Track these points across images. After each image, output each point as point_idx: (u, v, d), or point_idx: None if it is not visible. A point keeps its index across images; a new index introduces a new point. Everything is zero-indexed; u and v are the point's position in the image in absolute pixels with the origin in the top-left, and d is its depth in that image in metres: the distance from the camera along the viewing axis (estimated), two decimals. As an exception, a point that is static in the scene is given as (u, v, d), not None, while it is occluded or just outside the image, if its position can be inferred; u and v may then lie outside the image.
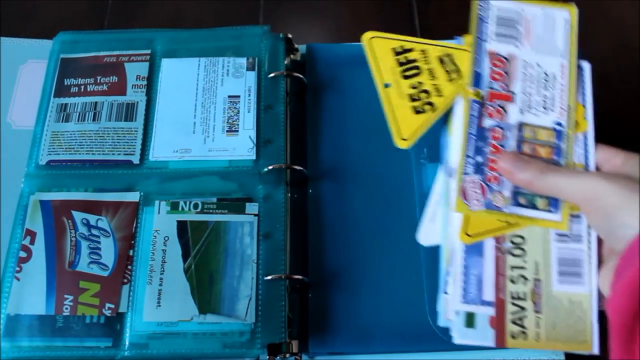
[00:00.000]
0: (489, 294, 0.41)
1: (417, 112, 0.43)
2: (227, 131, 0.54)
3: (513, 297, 0.41)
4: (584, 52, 0.47)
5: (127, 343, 0.46)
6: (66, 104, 0.55)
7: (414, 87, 0.43)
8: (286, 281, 0.48)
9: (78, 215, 0.50)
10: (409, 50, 0.45)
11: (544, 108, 0.44)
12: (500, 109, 0.44)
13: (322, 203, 0.53)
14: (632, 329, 0.33)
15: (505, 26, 0.46)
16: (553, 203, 0.42)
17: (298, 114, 0.57)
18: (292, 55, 0.59)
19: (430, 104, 0.43)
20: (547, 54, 0.46)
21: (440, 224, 0.45)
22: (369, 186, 0.54)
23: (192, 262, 0.48)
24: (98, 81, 0.56)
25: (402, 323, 0.49)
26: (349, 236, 0.51)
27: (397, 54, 0.45)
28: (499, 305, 0.41)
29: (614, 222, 0.36)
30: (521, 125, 0.43)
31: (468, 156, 0.43)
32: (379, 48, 0.45)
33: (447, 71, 0.44)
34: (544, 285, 0.42)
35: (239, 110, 0.55)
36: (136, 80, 0.56)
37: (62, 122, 0.54)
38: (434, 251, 0.51)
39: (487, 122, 0.43)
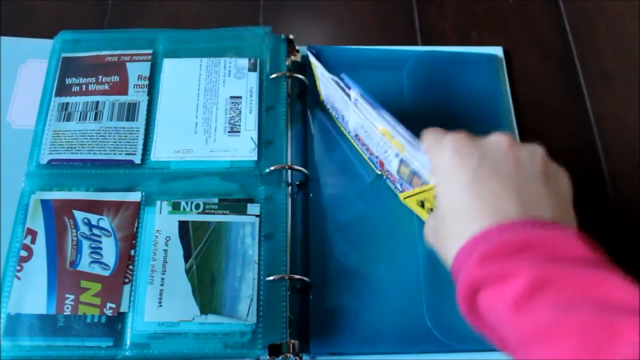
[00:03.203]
0: None
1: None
2: (229, 132, 0.54)
3: None
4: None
5: (128, 343, 0.46)
6: (67, 103, 0.55)
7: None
8: (287, 282, 0.48)
9: (79, 215, 0.50)
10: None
11: (385, 152, 0.48)
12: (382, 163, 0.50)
13: (323, 204, 0.53)
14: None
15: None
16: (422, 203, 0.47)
17: (299, 114, 0.57)
18: (292, 56, 0.60)
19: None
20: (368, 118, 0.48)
21: None
22: (370, 187, 0.54)
23: (194, 263, 0.48)
24: (99, 80, 0.56)
25: (402, 324, 0.49)
26: (349, 237, 0.52)
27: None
28: None
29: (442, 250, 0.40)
30: (398, 171, 0.48)
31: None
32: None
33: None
34: None
35: (240, 111, 0.55)
36: (138, 80, 0.56)
37: (63, 121, 0.54)
38: (433, 253, 0.51)
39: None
